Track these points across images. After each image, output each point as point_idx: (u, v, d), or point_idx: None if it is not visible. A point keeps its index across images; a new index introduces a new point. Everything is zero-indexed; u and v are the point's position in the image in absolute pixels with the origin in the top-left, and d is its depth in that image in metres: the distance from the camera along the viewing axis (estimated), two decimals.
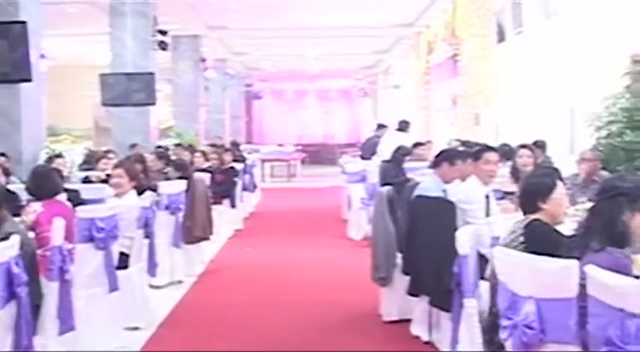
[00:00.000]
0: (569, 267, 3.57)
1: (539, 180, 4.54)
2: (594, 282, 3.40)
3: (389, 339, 7.03)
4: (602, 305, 3.33)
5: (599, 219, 3.83)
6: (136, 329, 7.12)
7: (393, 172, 10.72)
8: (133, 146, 15.12)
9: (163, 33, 18.14)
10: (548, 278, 3.65)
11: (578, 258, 3.64)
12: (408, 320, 7.10)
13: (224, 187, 13.05)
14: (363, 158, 16.51)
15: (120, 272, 6.67)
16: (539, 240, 4.23)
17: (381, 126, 17.95)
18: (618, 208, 3.80)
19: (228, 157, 14.26)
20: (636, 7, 10.89)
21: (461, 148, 11.80)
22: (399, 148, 11.45)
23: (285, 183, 25.80)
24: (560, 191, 4.49)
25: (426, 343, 6.69)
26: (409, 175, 9.40)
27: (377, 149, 15.62)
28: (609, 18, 11.77)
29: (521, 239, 4.34)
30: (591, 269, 3.42)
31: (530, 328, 3.69)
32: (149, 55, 17.82)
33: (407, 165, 11.70)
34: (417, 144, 12.85)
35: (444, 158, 7.44)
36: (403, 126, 16.32)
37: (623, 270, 3.51)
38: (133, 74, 17.01)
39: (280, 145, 32.12)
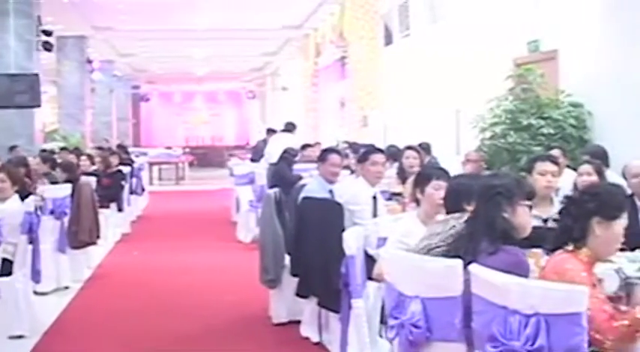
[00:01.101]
0: (453, 267, 3.61)
1: (467, 181, 4.58)
2: (478, 281, 3.45)
3: (278, 341, 7.02)
4: (485, 303, 3.38)
5: (481, 222, 3.86)
6: (20, 337, 6.91)
7: (282, 174, 10.73)
8: (12, 148, 14.76)
9: (48, 33, 17.71)
10: (434, 277, 3.69)
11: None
12: (298, 322, 7.09)
13: (111, 191, 12.85)
14: (253, 160, 16.46)
15: (2, 279, 6.50)
16: None
17: (270, 131, 17.95)
18: (497, 207, 3.84)
19: (114, 160, 14.01)
20: (519, 13, 11.15)
21: (348, 150, 11.91)
22: (286, 150, 11.46)
23: (174, 186, 25.58)
24: None
25: (316, 344, 6.69)
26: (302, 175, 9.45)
27: (264, 151, 15.62)
28: (493, 23, 12.02)
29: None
30: (475, 268, 3.48)
31: (416, 327, 3.72)
32: (33, 55, 17.38)
33: (296, 166, 11.75)
34: (305, 146, 12.90)
35: (319, 158, 7.68)
36: (290, 128, 16.37)
37: (524, 267, 3.60)
38: (16, 75, 16.50)
39: (168, 148, 31.81)
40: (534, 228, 4.03)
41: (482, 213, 3.89)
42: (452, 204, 4.48)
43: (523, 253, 3.77)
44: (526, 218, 3.92)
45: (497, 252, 3.66)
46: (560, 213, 3.78)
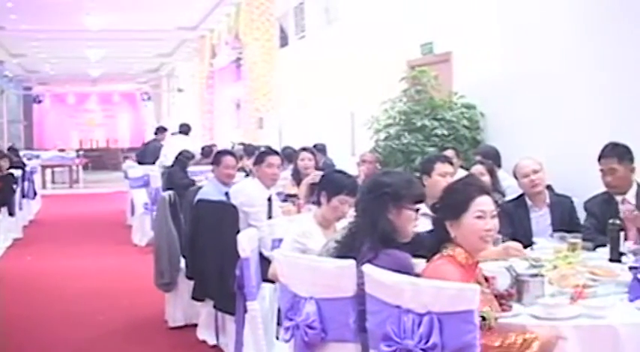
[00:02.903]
0: (346, 267, 3.62)
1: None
2: (372, 281, 3.46)
3: (175, 345, 6.97)
4: (379, 303, 3.40)
5: (366, 220, 3.85)
6: None
7: (177, 176, 10.64)
8: None
9: None
10: (327, 278, 3.69)
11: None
12: (194, 325, 7.07)
13: (1, 195, 12.57)
14: (140, 163, 16.22)
15: None
16: None
17: (160, 130, 17.78)
18: (382, 206, 3.82)
19: (5, 163, 13.66)
20: (413, 15, 11.28)
21: (243, 152, 11.88)
22: (182, 153, 11.38)
23: (68, 190, 25.08)
24: None
25: (213, 347, 6.68)
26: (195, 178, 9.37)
27: (160, 153, 15.45)
28: (388, 25, 12.14)
29: None
30: (368, 269, 3.49)
31: (311, 328, 3.72)
32: None
33: (192, 168, 11.68)
34: (205, 148, 12.85)
35: (213, 160, 7.70)
36: (184, 130, 16.25)
37: (406, 271, 3.54)
38: None
39: (62, 150, 31.13)
40: (418, 235, 4.02)
41: (368, 212, 3.87)
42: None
43: (407, 256, 3.75)
44: (410, 222, 3.87)
45: (379, 256, 3.66)
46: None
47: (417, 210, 3.91)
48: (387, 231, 3.76)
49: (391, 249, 3.71)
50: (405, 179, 4.00)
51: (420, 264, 3.85)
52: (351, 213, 4.32)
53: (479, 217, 3.59)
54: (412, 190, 3.91)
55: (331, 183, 5.12)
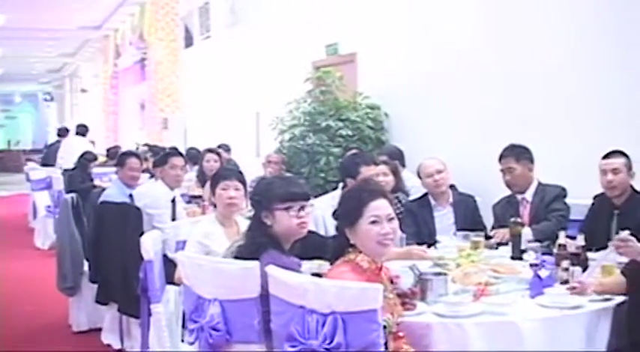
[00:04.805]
0: (249, 268, 3.61)
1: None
2: (275, 281, 3.46)
3: (80, 350, 6.87)
4: (283, 304, 3.40)
5: (252, 223, 3.95)
6: None
7: (79, 178, 10.49)
8: None
9: None
10: (231, 279, 3.68)
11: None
12: (99, 329, 6.97)
13: None
14: (44, 165, 15.96)
15: None
16: None
17: (63, 131, 17.52)
18: (258, 213, 3.90)
19: None
20: (318, 16, 11.32)
21: (148, 153, 11.78)
22: (84, 155, 11.22)
23: None
24: None
25: (118, 351, 6.59)
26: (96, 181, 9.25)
27: (57, 155, 15.24)
28: (293, 26, 12.16)
29: None
30: (272, 269, 3.48)
31: (216, 330, 3.70)
32: None
33: (95, 170, 11.53)
34: (110, 149, 12.71)
35: (118, 162, 7.58)
36: (82, 131, 16.06)
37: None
38: None
39: None
40: (318, 237, 4.04)
41: (253, 218, 3.96)
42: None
43: (288, 256, 3.80)
44: (289, 221, 3.86)
45: (265, 255, 3.69)
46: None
47: (301, 207, 3.90)
48: (268, 235, 3.82)
49: (277, 251, 3.76)
50: (266, 183, 4.09)
51: (323, 265, 3.89)
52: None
53: (374, 222, 3.56)
54: (272, 191, 3.91)
55: (213, 178, 5.37)
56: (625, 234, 3.85)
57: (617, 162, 5.35)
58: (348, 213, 3.63)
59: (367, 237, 3.57)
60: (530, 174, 5.99)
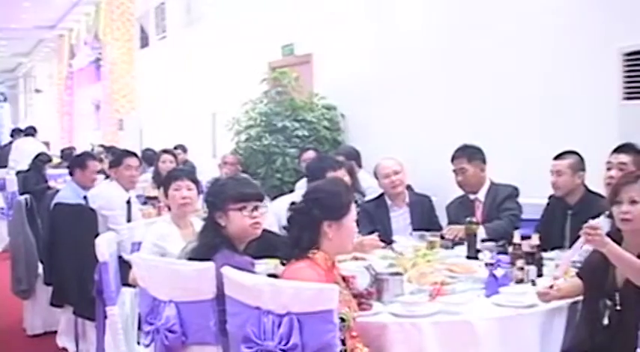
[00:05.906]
0: (205, 270, 3.60)
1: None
2: (231, 283, 3.46)
3: None
4: (239, 305, 3.39)
5: (205, 225, 3.95)
6: None
7: (34, 180, 10.39)
8: None
9: None
10: (186, 281, 3.67)
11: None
12: (54, 332, 6.89)
13: None
14: None
15: None
16: None
17: (17, 132, 17.37)
18: (211, 214, 3.90)
19: None
20: (274, 17, 11.32)
21: (103, 154, 11.70)
22: (38, 156, 11.12)
23: None
24: None
25: None
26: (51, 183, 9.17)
27: (9, 157, 15.12)
28: (249, 27, 12.14)
29: None
30: (227, 270, 3.48)
31: (171, 332, 3.68)
32: None
33: (50, 171, 11.42)
34: (65, 150, 12.62)
35: (76, 164, 7.48)
36: (31, 132, 15.96)
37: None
38: None
39: None
40: (274, 235, 4.04)
41: (207, 219, 3.96)
42: None
43: (242, 255, 3.81)
44: (242, 221, 3.86)
45: (218, 256, 3.69)
46: (288, 222, 3.73)
47: (255, 207, 3.89)
48: (221, 235, 3.82)
49: (230, 251, 3.76)
50: (219, 183, 4.08)
51: (280, 267, 3.88)
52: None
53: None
54: (226, 192, 3.90)
55: (165, 179, 5.44)
56: (595, 221, 3.85)
57: (560, 164, 5.37)
58: (338, 209, 3.65)
59: (351, 233, 3.70)
60: (483, 175, 6.00)
